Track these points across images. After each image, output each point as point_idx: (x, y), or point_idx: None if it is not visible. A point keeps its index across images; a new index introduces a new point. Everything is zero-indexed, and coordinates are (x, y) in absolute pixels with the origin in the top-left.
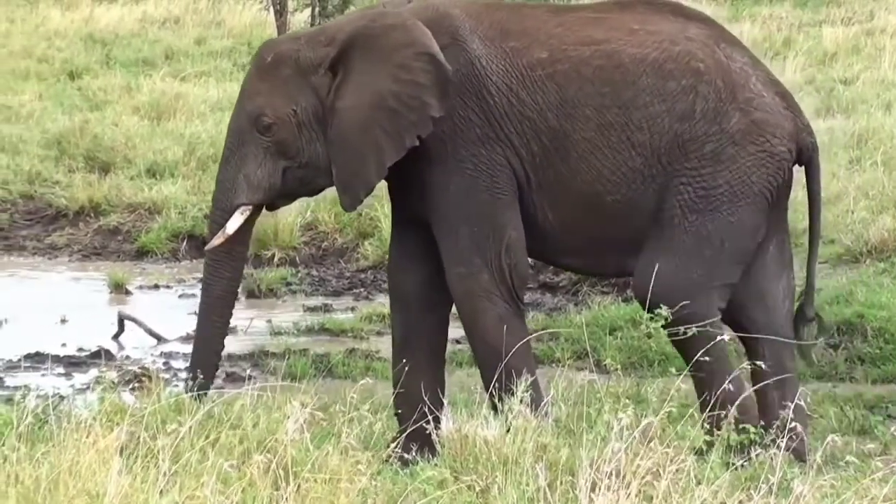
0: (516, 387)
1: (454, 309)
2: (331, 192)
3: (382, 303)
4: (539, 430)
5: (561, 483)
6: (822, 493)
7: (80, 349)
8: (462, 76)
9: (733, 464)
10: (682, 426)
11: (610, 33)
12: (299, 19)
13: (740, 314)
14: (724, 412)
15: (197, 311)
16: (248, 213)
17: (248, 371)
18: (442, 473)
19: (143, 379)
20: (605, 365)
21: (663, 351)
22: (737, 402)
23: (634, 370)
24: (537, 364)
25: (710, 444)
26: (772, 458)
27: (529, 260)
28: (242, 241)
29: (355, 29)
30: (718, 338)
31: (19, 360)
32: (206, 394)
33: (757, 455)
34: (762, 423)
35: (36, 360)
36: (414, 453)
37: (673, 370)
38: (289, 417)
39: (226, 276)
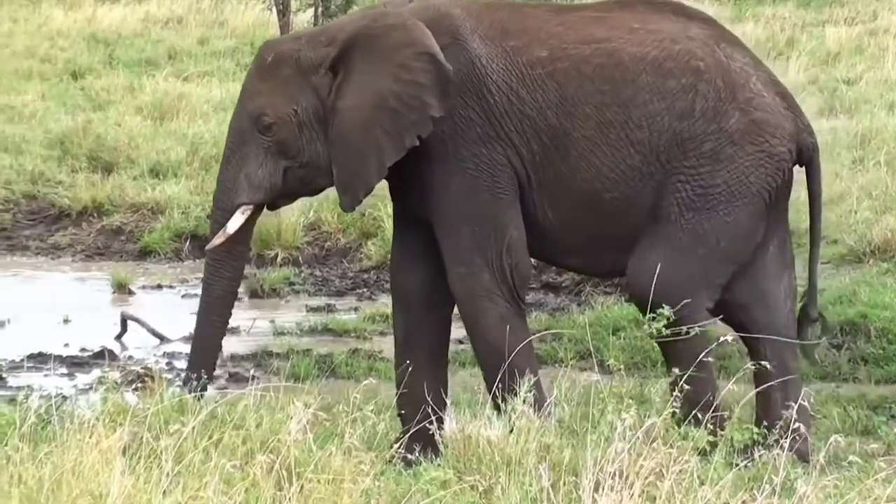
0: (519, 387)
1: (456, 309)
2: (334, 193)
3: (385, 303)
4: (542, 430)
5: (564, 483)
6: (826, 493)
7: (83, 349)
8: (462, 75)
9: (737, 464)
10: (685, 426)
11: (610, 32)
12: (302, 19)
13: (742, 314)
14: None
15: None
16: (248, 212)
17: (251, 371)
18: (445, 474)
19: (147, 379)
20: (609, 365)
21: None
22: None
23: (638, 370)
24: (540, 364)
25: (713, 445)
26: (775, 459)
27: (532, 260)
28: (243, 240)
29: (356, 29)
30: (722, 339)
31: (22, 360)
32: (204, 393)
33: (760, 455)
34: (765, 423)
35: (39, 360)
36: (417, 454)
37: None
38: (292, 418)
39: (226, 275)
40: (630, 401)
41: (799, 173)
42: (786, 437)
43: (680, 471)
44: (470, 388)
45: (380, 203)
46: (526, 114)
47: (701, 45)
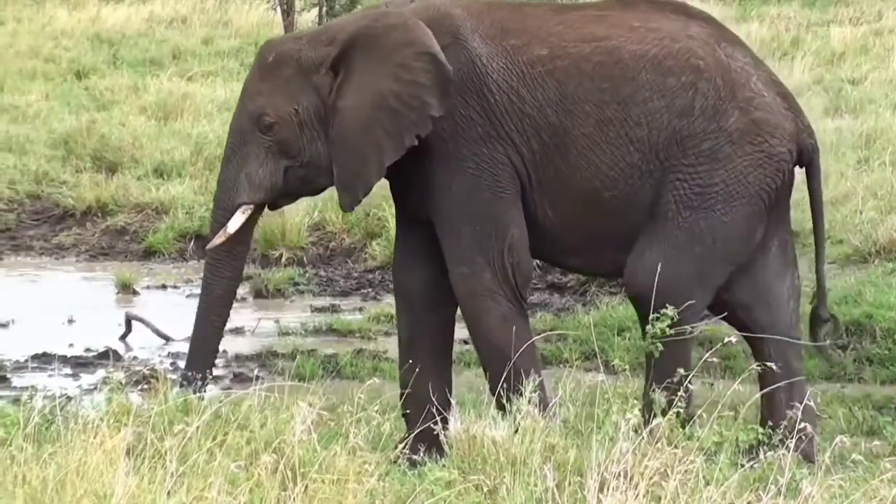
0: (522, 387)
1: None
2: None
3: (390, 303)
4: (547, 430)
5: (569, 484)
6: (831, 493)
7: (88, 349)
8: (463, 75)
9: (742, 464)
10: (690, 426)
11: (611, 30)
12: (306, 19)
13: (744, 314)
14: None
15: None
16: (249, 212)
17: (255, 371)
18: (450, 474)
19: (151, 380)
20: (614, 365)
21: None
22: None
23: (643, 371)
24: (545, 365)
25: (719, 445)
26: (780, 459)
27: (535, 260)
28: (244, 240)
29: (357, 28)
30: (726, 339)
31: (26, 360)
32: (203, 393)
33: (766, 456)
34: (770, 423)
35: (43, 360)
36: (422, 454)
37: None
38: (296, 418)
39: (226, 275)
40: (635, 401)
41: (800, 174)
42: (791, 438)
43: (685, 471)
44: (475, 388)
45: (384, 203)
46: (526, 112)
47: (701, 44)
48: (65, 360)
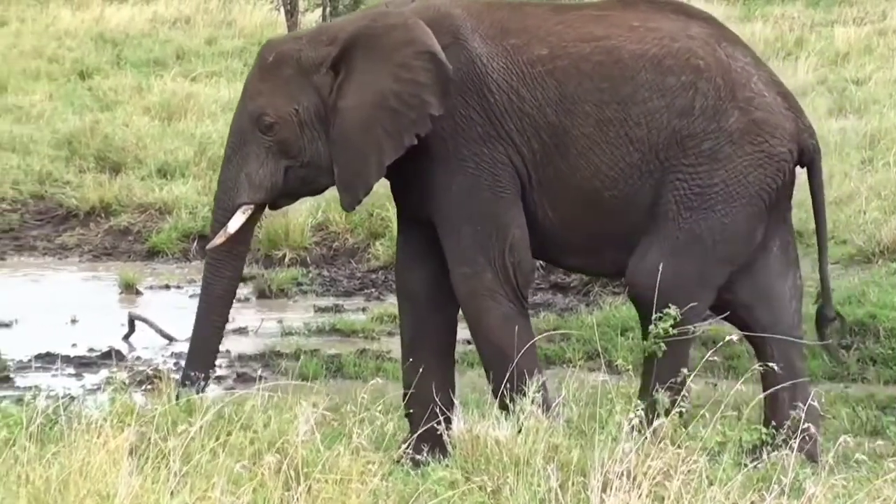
0: (524, 387)
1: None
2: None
3: (393, 303)
4: (550, 430)
5: (573, 484)
6: (835, 493)
7: (91, 349)
8: (463, 75)
9: (745, 464)
10: (693, 426)
11: (610, 30)
12: (310, 19)
13: (746, 314)
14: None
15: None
16: (249, 212)
17: (258, 371)
18: (453, 474)
19: (155, 380)
20: (617, 365)
21: None
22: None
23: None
24: (549, 364)
25: (722, 445)
26: (784, 459)
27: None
28: (244, 240)
29: (357, 28)
30: (728, 338)
31: (30, 360)
32: (203, 393)
33: (769, 456)
34: (773, 423)
35: (46, 360)
36: (425, 454)
37: (684, 370)
38: (300, 418)
39: (227, 275)
40: (638, 401)
41: (802, 174)
42: (794, 438)
43: (688, 471)
44: (478, 388)
45: (388, 203)
46: (526, 112)
47: (701, 44)
48: (68, 360)
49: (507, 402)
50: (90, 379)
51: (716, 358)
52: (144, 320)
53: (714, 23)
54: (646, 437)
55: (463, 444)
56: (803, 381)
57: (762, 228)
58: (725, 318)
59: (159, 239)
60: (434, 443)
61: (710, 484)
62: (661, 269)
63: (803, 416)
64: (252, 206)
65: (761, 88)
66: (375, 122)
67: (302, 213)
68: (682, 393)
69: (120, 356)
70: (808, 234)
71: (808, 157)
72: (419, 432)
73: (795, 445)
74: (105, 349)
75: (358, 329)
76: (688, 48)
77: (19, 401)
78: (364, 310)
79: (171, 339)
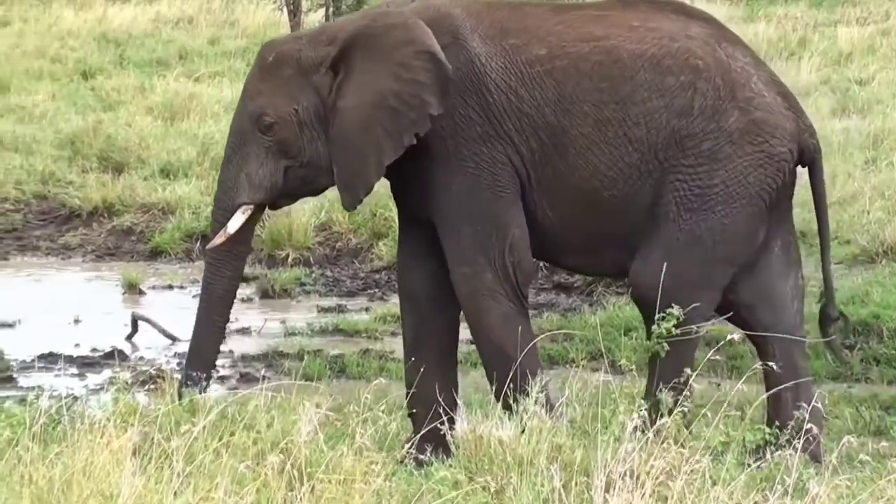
0: (525, 386)
1: None
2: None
3: (396, 303)
4: (554, 430)
5: (576, 484)
6: (838, 493)
7: (94, 350)
8: (462, 74)
9: (749, 464)
10: (696, 426)
11: (610, 30)
12: (313, 19)
13: (747, 315)
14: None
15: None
16: (249, 212)
17: (262, 372)
18: (456, 474)
19: (158, 380)
20: (620, 365)
21: None
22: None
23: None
24: (552, 365)
25: (725, 445)
26: (787, 459)
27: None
28: (244, 240)
29: (356, 28)
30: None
31: (33, 360)
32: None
33: (772, 456)
34: (777, 423)
35: (49, 360)
36: (428, 454)
37: (688, 370)
38: (303, 418)
39: (227, 275)
40: (641, 401)
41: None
42: (798, 438)
43: (691, 471)
44: (481, 388)
45: (391, 203)
46: (525, 112)
47: (701, 44)
48: (71, 360)
49: (510, 401)
50: (93, 379)
51: (719, 357)
52: (147, 320)
53: (714, 23)
54: (648, 437)
55: (466, 445)
56: (806, 380)
57: (763, 229)
58: (728, 319)
59: (162, 239)
60: (437, 443)
61: (714, 484)
62: (663, 272)
63: (807, 416)
64: (252, 206)
65: (761, 88)
66: (375, 122)
67: (305, 214)
68: (685, 393)
69: (123, 356)
70: (812, 234)
71: (809, 156)
72: (422, 432)
73: (799, 446)
74: (108, 349)
75: (361, 329)
76: (687, 48)
77: (22, 401)
78: (367, 310)
79: (174, 339)
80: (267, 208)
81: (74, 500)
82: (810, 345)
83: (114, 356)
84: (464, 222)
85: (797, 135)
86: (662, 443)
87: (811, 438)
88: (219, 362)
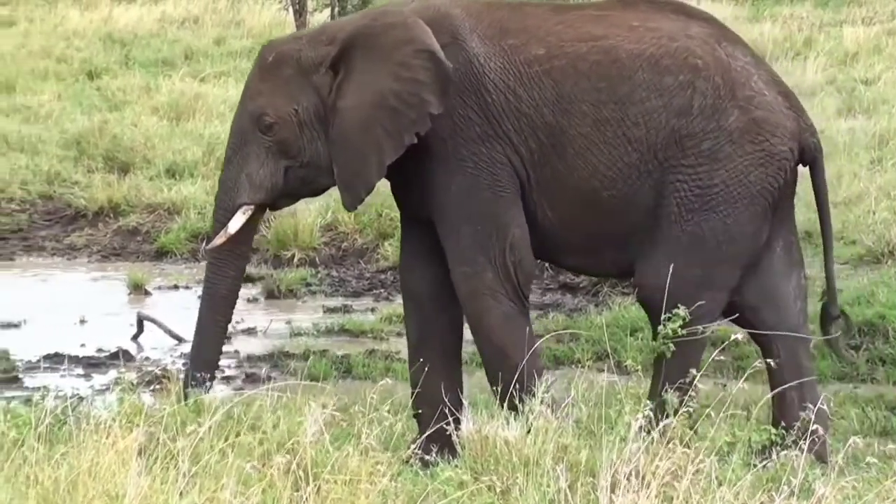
0: (526, 386)
1: None
2: None
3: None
4: (560, 430)
5: (582, 484)
6: (844, 494)
7: (100, 350)
8: (461, 74)
9: (754, 465)
10: (702, 426)
11: (609, 30)
12: (318, 19)
13: (751, 315)
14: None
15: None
16: (250, 212)
17: (267, 372)
18: (462, 474)
19: (163, 380)
20: (626, 366)
21: None
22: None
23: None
24: (558, 365)
25: (731, 445)
26: (793, 460)
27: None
28: (245, 240)
29: (356, 28)
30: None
31: (38, 360)
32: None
33: (778, 456)
34: (782, 423)
35: (55, 360)
36: (434, 454)
37: (693, 370)
38: (309, 418)
39: (229, 275)
40: (647, 402)
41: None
42: (804, 438)
43: (697, 471)
44: (486, 388)
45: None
46: (523, 112)
47: (700, 44)
48: (76, 360)
49: (514, 401)
50: (99, 379)
51: (724, 358)
52: (153, 320)
53: (714, 22)
54: (654, 438)
55: (472, 445)
56: (811, 380)
57: (766, 228)
58: (733, 321)
59: (168, 239)
60: (443, 443)
61: (720, 484)
62: (668, 274)
63: (812, 416)
64: (252, 207)
65: (761, 87)
66: (375, 122)
67: (311, 214)
68: (690, 393)
69: (128, 356)
70: (817, 234)
71: (810, 155)
72: (428, 433)
73: (805, 446)
74: (113, 349)
75: (367, 329)
76: (686, 47)
77: (28, 401)
78: (373, 310)
79: (179, 339)
80: (268, 209)
81: (80, 501)
82: (816, 346)
83: (119, 356)
84: (464, 222)
85: (798, 134)
86: (668, 443)
87: (817, 439)
88: (224, 362)
